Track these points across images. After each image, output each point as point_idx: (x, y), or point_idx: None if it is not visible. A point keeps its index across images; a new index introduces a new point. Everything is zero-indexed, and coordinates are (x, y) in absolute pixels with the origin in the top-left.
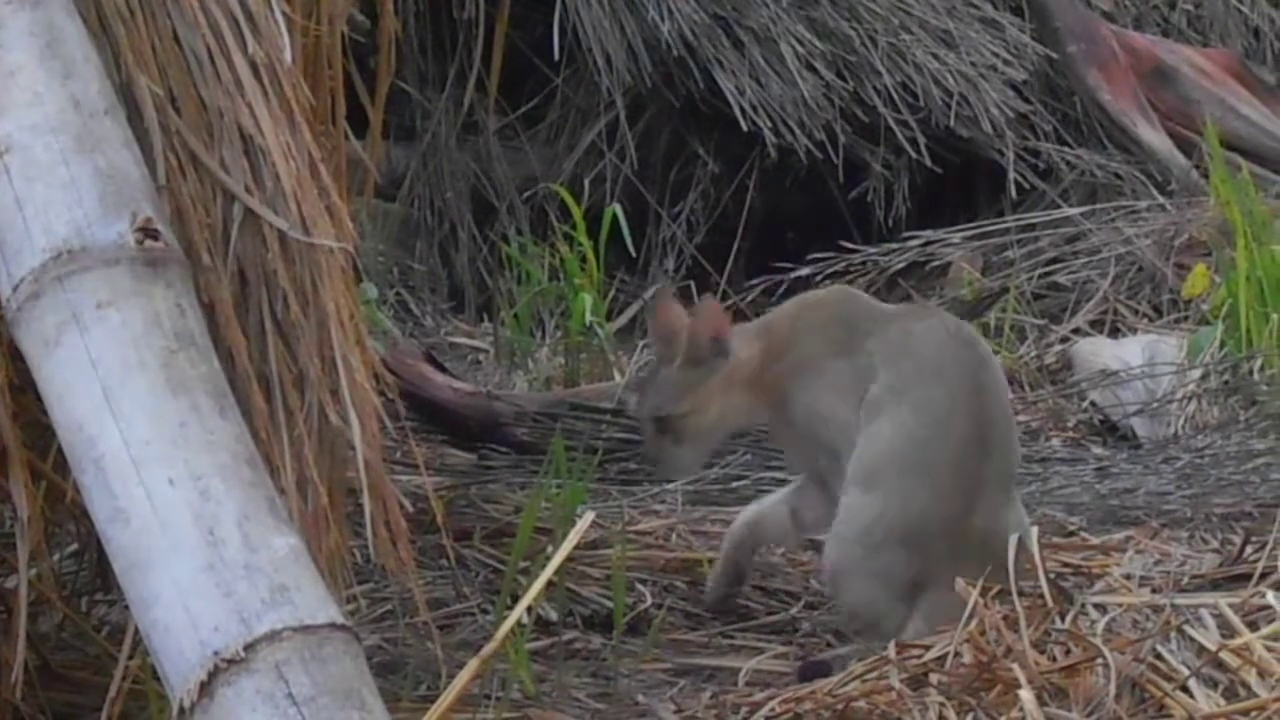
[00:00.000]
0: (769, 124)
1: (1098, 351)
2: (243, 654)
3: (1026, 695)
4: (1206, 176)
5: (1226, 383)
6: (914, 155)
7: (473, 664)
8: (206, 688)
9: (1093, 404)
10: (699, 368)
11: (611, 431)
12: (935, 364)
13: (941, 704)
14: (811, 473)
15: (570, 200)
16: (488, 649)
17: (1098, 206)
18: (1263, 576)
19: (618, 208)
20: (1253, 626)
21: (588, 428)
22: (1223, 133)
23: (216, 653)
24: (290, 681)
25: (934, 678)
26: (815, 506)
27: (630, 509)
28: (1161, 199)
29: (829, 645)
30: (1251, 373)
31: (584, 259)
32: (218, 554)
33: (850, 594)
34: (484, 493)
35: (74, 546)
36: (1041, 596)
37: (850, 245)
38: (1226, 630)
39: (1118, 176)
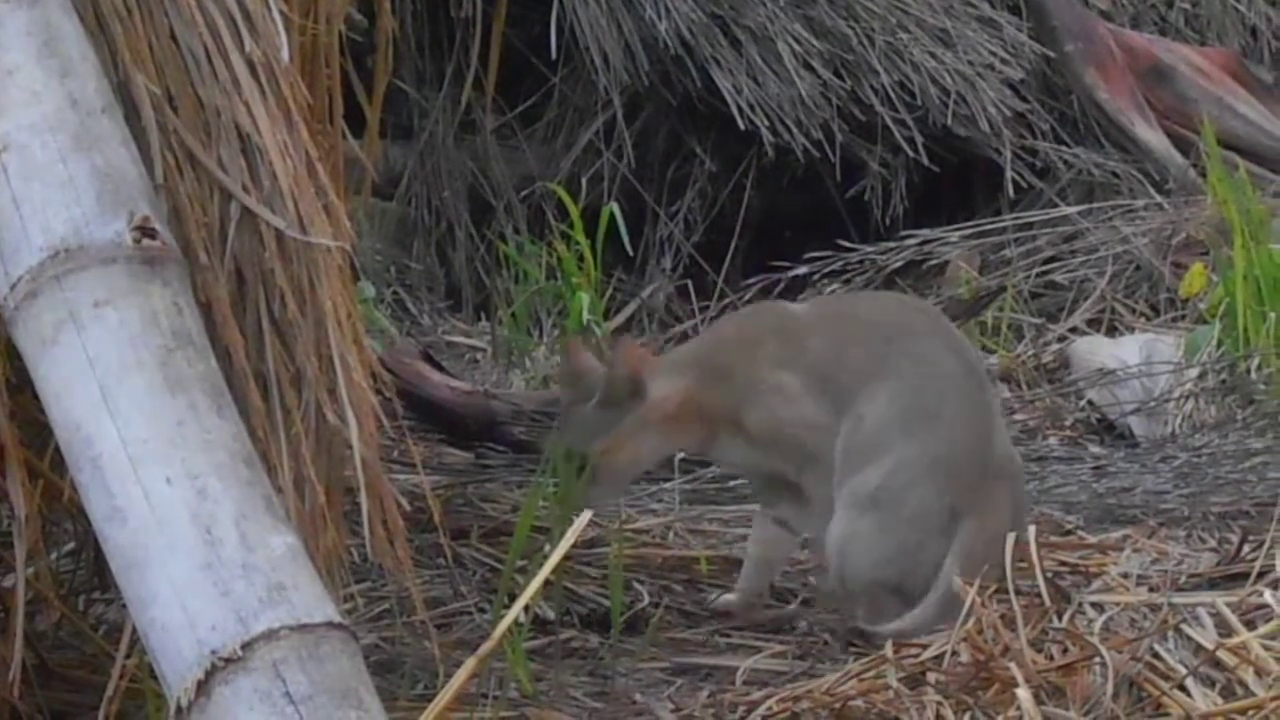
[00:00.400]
0: (766, 123)
1: (1095, 350)
2: (240, 653)
3: (1024, 694)
4: (1204, 175)
5: (1224, 381)
6: (911, 154)
7: (470, 663)
8: (204, 686)
9: (1090, 403)
10: (615, 408)
11: None
12: (896, 325)
13: (939, 703)
14: (772, 485)
15: (567, 199)
16: (485, 648)
17: (1095, 205)
18: (1260, 575)
19: (615, 206)
20: (1250, 625)
21: None
22: (1220, 131)
23: (214, 651)
24: (288, 680)
25: (931, 676)
26: (796, 512)
27: (627, 507)
28: (1159, 198)
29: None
30: (1249, 371)
31: (581, 258)
32: (215, 553)
33: (862, 566)
34: (481, 491)
35: (71, 545)
36: (1039, 595)
37: (847, 244)
38: (1224, 629)
39: (1115, 175)
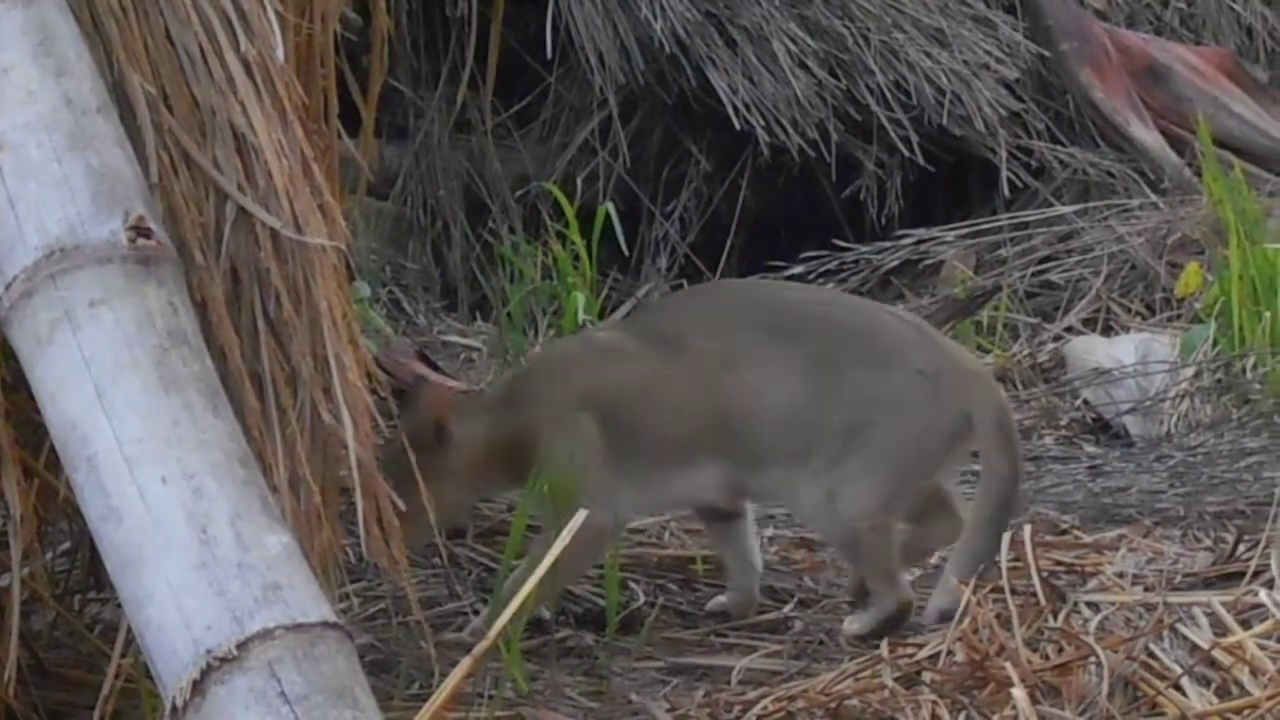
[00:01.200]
0: (762, 122)
1: (1091, 350)
2: (235, 652)
3: (1019, 693)
4: (1199, 175)
5: (1219, 381)
6: (907, 153)
7: (465, 662)
8: (199, 686)
9: (1085, 402)
10: (420, 453)
11: None
12: (758, 301)
13: (934, 702)
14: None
15: (563, 199)
16: (480, 647)
17: (1090, 205)
18: (1255, 575)
19: (610, 206)
20: (1245, 625)
21: None
22: (1215, 131)
23: (209, 651)
24: (283, 680)
25: (927, 676)
26: (742, 502)
27: None
28: (1154, 197)
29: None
30: (1244, 371)
31: (577, 257)
32: (210, 552)
33: (873, 488)
34: None
35: (67, 545)
36: (1034, 595)
37: (843, 244)
38: (1219, 628)
39: (1110, 175)
